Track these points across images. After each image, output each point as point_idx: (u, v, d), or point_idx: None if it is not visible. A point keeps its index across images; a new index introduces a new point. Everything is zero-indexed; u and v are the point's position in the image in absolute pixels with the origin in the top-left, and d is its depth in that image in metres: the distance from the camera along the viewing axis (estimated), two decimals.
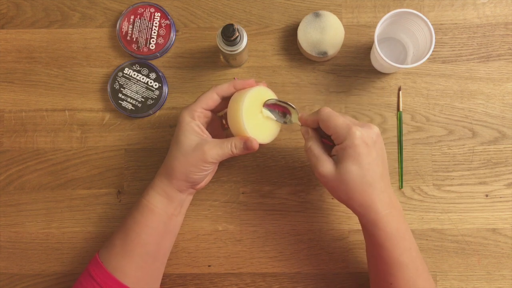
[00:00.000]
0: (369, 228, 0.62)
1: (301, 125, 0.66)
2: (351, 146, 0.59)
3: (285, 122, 0.67)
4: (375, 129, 0.61)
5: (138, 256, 0.65)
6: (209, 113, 0.66)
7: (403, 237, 0.62)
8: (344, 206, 0.64)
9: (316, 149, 0.62)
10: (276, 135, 0.68)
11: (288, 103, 0.65)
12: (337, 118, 0.60)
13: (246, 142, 0.64)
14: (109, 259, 0.65)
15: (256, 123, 0.65)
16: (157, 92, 0.76)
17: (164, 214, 0.66)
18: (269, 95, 0.67)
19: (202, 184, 0.68)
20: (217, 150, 0.63)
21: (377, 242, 0.61)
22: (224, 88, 0.65)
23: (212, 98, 0.65)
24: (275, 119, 0.66)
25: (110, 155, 0.77)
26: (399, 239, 0.61)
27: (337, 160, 0.61)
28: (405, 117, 0.76)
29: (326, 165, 0.61)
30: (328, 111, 0.62)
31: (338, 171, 0.60)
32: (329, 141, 0.64)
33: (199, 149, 0.63)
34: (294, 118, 0.66)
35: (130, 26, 0.77)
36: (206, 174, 0.66)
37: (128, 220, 0.67)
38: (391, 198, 0.62)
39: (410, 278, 0.62)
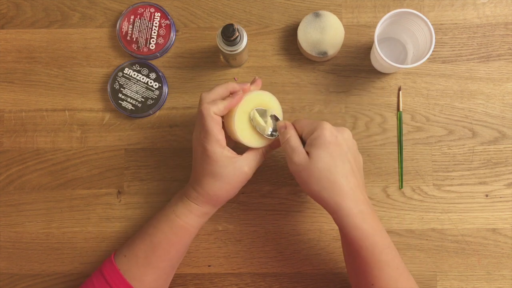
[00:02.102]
0: (345, 226, 0.61)
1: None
2: (320, 135, 0.61)
3: (271, 135, 0.67)
4: (347, 131, 0.64)
5: (162, 269, 0.66)
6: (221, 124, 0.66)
7: (380, 235, 0.62)
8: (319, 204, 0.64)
9: (293, 139, 0.64)
10: (265, 143, 0.68)
11: (274, 115, 0.67)
12: (302, 120, 0.65)
13: (273, 144, 0.68)
14: (129, 268, 0.65)
15: (250, 128, 0.66)
16: (157, 92, 0.76)
17: (196, 232, 0.68)
18: (267, 100, 0.67)
19: None
20: (254, 165, 0.66)
21: (355, 242, 0.61)
22: (220, 92, 0.65)
23: (216, 117, 0.64)
24: (259, 129, 0.67)
25: (110, 155, 0.77)
26: (377, 237, 0.61)
27: (309, 150, 0.62)
28: (405, 117, 0.76)
29: (300, 155, 0.62)
30: (295, 120, 0.66)
31: (310, 159, 0.61)
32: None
33: (240, 172, 0.65)
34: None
35: (130, 26, 0.77)
36: None
37: (157, 235, 0.66)
38: (364, 196, 0.62)
39: (391, 277, 0.61)
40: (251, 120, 0.66)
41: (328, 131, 0.62)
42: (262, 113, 0.67)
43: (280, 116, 0.68)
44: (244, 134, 0.66)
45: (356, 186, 0.62)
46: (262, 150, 0.67)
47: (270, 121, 0.67)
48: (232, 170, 0.64)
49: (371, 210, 0.62)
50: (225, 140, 0.64)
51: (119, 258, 0.66)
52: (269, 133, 0.67)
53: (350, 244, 0.62)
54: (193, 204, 0.66)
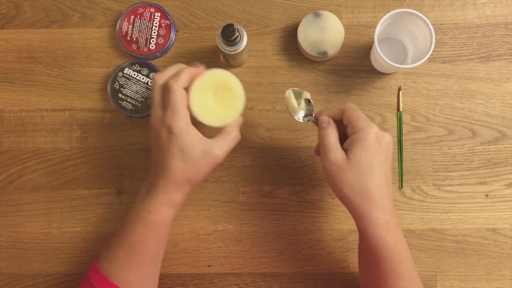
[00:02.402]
0: (368, 233, 0.60)
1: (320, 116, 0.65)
2: (366, 138, 0.60)
3: (302, 119, 0.67)
4: (389, 137, 0.62)
5: (144, 265, 0.64)
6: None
7: (401, 247, 0.61)
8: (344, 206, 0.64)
9: (333, 137, 0.62)
10: (228, 121, 0.65)
11: (309, 99, 0.67)
12: (361, 113, 0.62)
13: (238, 122, 0.65)
14: (112, 271, 0.63)
15: (205, 105, 0.63)
16: None
17: (172, 222, 0.65)
18: (226, 78, 0.65)
19: None
20: (225, 149, 0.63)
21: (375, 251, 0.60)
22: (184, 76, 0.62)
23: (183, 93, 0.61)
24: (290, 109, 0.67)
25: (110, 155, 0.77)
26: (398, 249, 0.61)
27: (349, 148, 0.61)
28: (405, 117, 0.76)
29: (338, 155, 0.61)
30: (353, 105, 0.63)
31: (348, 161, 0.60)
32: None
33: (209, 155, 0.61)
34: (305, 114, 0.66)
35: (130, 26, 0.77)
36: None
37: (133, 234, 0.63)
38: (391, 206, 0.61)
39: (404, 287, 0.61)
40: (285, 99, 0.66)
41: (374, 135, 0.60)
42: (297, 94, 0.67)
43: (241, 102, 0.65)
44: (201, 110, 0.63)
45: (386, 197, 0.61)
46: (234, 134, 0.64)
47: (303, 104, 0.67)
48: (201, 153, 0.61)
49: (395, 220, 0.61)
50: (190, 119, 0.62)
51: (102, 263, 0.64)
52: (300, 116, 0.66)
53: (369, 252, 0.61)
54: (162, 195, 0.62)
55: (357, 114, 0.62)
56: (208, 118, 0.64)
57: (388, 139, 0.61)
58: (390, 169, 0.62)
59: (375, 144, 0.60)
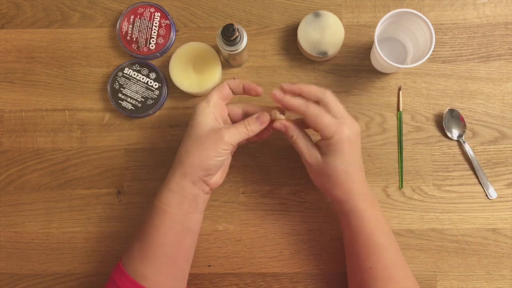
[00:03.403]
0: (348, 215, 0.65)
1: (276, 114, 0.66)
2: (338, 143, 0.63)
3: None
4: (358, 127, 0.65)
5: (157, 259, 0.64)
6: (224, 107, 0.67)
7: (381, 222, 0.66)
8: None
9: (302, 141, 0.66)
10: (207, 88, 0.74)
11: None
12: (324, 118, 0.63)
13: (259, 116, 0.65)
14: (129, 263, 0.64)
15: (185, 75, 0.74)
16: (157, 92, 0.76)
17: (178, 212, 0.64)
18: (203, 48, 0.75)
19: (218, 179, 0.67)
20: (233, 131, 0.64)
21: (356, 229, 0.65)
22: (236, 83, 0.67)
23: (224, 88, 0.66)
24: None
25: (110, 155, 0.77)
26: (377, 223, 0.65)
27: (323, 152, 0.65)
28: (405, 117, 0.76)
29: (312, 155, 0.65)
30: (313, 109, 0.63)
31: (324, 163, 0.64)
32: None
33: (215, 132, 0.63)
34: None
35: (130, 26, 0.77)
36: (221, 160, 0.64)
37: (143, 224, 0.65)
38: (367, 188, 0.66)
39: (389, 261, 0.64)
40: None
41: (345, 138, 0.63)
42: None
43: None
44: (181, 80, 0.74)
45: (362, 181, 0.66)
46: (245, 124, 0.65)
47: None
48: (208, 131, 0.63)
49: (372, 198, 0.66)
50: (218, 109, 0.65)
51: (123, 256, 0.66)
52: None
53: (351, 230, 0.65)
54: (167, 178, 0.65)
55: (321, 119, 0.63)
56: (188, 86, 0.74)
57: (357, 130, 0.65)
58: (360, 152, 0.66)
59: (347, 148, 0.63)
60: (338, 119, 0.63)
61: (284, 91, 0.66)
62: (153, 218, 0.65)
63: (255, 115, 0.66)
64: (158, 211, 0.64)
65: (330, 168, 0.64)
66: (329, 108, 0.63)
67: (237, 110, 0.68)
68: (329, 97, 0.64)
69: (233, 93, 0.67)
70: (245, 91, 0.67)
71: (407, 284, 0.65)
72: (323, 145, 0.64)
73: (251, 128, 0.65)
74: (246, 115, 0.68)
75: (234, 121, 0.69)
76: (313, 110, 0.63)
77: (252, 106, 0.68)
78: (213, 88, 0.67)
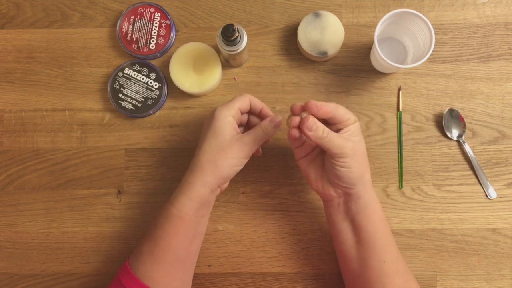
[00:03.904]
0: (371, 203, 0.65)
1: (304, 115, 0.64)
2: (358, 127, 0.64)
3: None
4: (357, 124, 0.64)
5: (167, 263, 0.64)
6: (243, 117, 0.68)
7: (385, 218, 0.67)
8: None
9: (333, 134, 0.62)
10: (207, 88, 0.75)
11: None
12: (340, 108, 0.63)
13: (273, 120, 0.65)
14: (138, 266, 0.64)
15: (185, 75, 0.75)
16: (157, 92, 0.76)
17: (194, 219, 0.65)
18: (203, 48, 0.75)
19: (227, 183, 0.69)
20: (253, 139, 0.64)
21: (377, 218, 0.65)
22: (257, 103, 0.67)
23: (246, 101, 0.66)
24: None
25: (110, 155, 0.77)
26: (385, 222, 0.67)
27: (349, 137, 0.63)
28: (405, 117, 0.76)
29: (346, 143, 0.62)
30: (333, 104, 0.63)
31: (353, 144, 0.63)
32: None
33: (238, 142, 0.64)
34: None
35: (130, 26, 0.77)
36: (241, 168, 0.66)
37: (156, 228, 0.65)
38: (369, 179, 0.66)
39: (398, 255, 0.66)
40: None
41: (352, 153, 0.62)
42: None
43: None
44: (181, 80, 0.74)
45: (368, 180, 0.65)
46: (262, 129, 0.65)
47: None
48: (229, 137, 0.64)
49: (373, 192, 0.66)
50: (238, 119, 0.66)
51: (131, 258, 0.66)
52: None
53: (371, 222, 0.65)
54: (185, 185, 0.64)
55: (341, 108, 0.63)
56: (188, 86, 0.74)
57: (358, 130, 0.64)
58: (365, 149, 0.65)
59: (355, 159, 0.63)
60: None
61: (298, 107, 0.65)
62: (168, 224, 0.64)
63: (268, 119, 0.65)
64: (174, 218, 0.64)
65: (359, 149, 0.63)
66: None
67: (248, 104, 0.67)
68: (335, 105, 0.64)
69: (249, 109, 0.68)
70: (260, 115, 0.68)
71: (409, 276, 0.66)
72: (347, 131, 0.63)
73: (269, 132, 0.65)
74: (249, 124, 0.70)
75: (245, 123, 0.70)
76: (333, 104, 0.63)
77: (259, 103, 0.68)
78: (236, 98, 0.66)
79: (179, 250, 0.65)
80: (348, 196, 0.65)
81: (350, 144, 0.62)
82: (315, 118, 0.61)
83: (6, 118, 0.78)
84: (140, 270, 0.64)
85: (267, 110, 0.68)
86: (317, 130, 0.61)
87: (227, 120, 0.64)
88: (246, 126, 0.71)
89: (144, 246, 0.65)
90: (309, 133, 0.61)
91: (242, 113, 0.67)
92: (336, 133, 0.63)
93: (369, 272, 0.64)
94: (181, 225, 0.64)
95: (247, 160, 0.65)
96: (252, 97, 0.67)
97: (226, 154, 0.63)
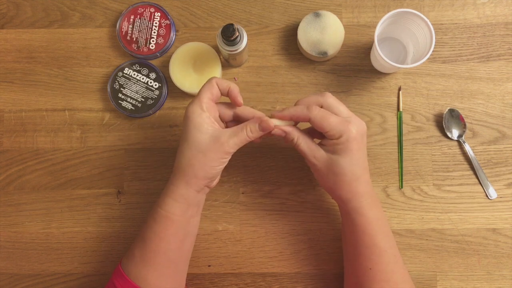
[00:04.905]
0: (352, 214, 0.64)
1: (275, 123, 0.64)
2: (346, 142, 0.61)
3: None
4: (364, 125, 0.64)
5: (159, 264, 0.64)
6: (215, 106, 0.64)
7: (383, 224, 0.66)
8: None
9: (304, 142, 0.64)
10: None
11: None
12: (330, 118, 0.61)
13: (261, 124, 0.63)
14: (130, 268, 0.64)
15: (185, 75, 0.75)
16: (157, 92, 0.76)
17: (183, 220, 0.64)
18: (202, 48, 0.75)
19: (217, 180, 0.68)
20: (234, 139, 0.62)
21: (359, 228, 0.64)
22: (223, 85, 0.63)
23: (215, 88, 0.63)
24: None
25: (110, 155, 0.77)
26: (379, 225, 0.65)
27: (329, 151, 0.63)
28: (405, 117, 0.76)
29: (317, 156, 0.63)
30: (317, 112, 0.61)
31: (330, 162, 0.63)
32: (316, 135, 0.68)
33: (216, 142, 0.61)
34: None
35: (130, 26, 0.77)
36: (223, 166, 0.64)
37: (146, 230, 0.64)
38: (372, 189, 0.66)
39: (388, 263, 0.64)
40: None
41: (353, 136, 0.61)
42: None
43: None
44: (181, 80, 0.74)
45: (366, 182, 0.65)
46: (246, 130, 0.63)
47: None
48: (208, 138, 0.61)
49: (376, 200, 0.66)
50: (211, 111, 0.62)
51: (123, 260, 0.66)
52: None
53: (353, 230, 0.65)
54: (170, 187, 0.63)
55: (327, 121, 0.61)
56: (188, 86, 0.74)
57: (364, 128, 0.63)
58: (366, 151, 0.65)
59: (355, 146, 0.62)
60: (345, 118, 0.62)
61: (274, 116, 0.64)
62: (157, 226, 0.63)
63: (254, 121, 0.63)
64: (162, 219, 0.63)
65: (337, 168, 0.62)
66: (332, 109, 0.62)
67: (229, 112, 0.65)
68: (330, 98, 0.63)
69: (221, 93, 0.64)
70: (229, 96, 0.64)
71: (404, 286, 0.65)
72: (330, 144, 0.62)
73: (252, 135, 0.63)
74: (236, 116, 0.66)
75: (223, 121, 0.67)
76: (317, 113, 0.61)
77: (244, 109, 0.65)
78: (202, 88, 0.63)
79: (170, 251, 0.64)
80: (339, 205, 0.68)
81: (319, 159, 0.63)
82: (287, 127, 0.64)
83: (6, 118, 0.78)
84: (134, 273, 0.63)
85: (234, 92, 0.64)
86: (286, 137, 0.64)
87: (201, 117, 0.61)
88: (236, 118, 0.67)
89: (136, 248, 0.64)
90: (284, 140, 0.65)
91: (215, 101, 0.64)
92: (310, 144, 0.64)
93: (359, 275, 0.65)
94: (170, 226, 0.63)
95: (229, 157, 0.63)
96: (218, 79, 0.63)
97: (205, 157, 0.61)
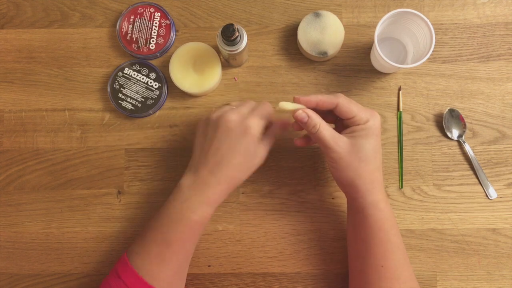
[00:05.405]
0: (370, 209, 0.64)
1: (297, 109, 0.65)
2: (372, 127, 0.64)
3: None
4: (379, 117, 0.66)
5: (178, 263, 0.65)
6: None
7: (395, 220, 0.67)
8: (344, 206, 0.65)
9: (327, 130, 0.63)
10: (207, 88, 0.75)
11: None
12: (357, 104, 0.64)
13: (282, 124, 0.68)
14: (143, 265, 0.63)
15: (186, 75, 0.75)
16: (157, 92, 0.76)
17: (208, 223, 0.67)
18: (203, 48, 0.75)
19: None
20: (267, 149, 0.67)
21: (375, 224, 0.64)
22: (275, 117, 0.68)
23: (268, 120, 0.67)
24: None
25: (110, 155, 0.77)
26: (393, 222, 0.66)
27: (355, 138, 0.64)
28: (405, 117, 0.76)
29: (341, 143, 0.63)
30: (345, 98, 0.64)
31: (355, 148, 0.63)
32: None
33: (260, 156, 0.66)
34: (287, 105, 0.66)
35: (130, 26, 0.77)
36: None
37: (172, 234, 0.64)
38: (383, 186, 0.67)
39: (399, 260, 0.65)
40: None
41: (378, 123, 0.64)
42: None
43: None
44: (182, 80, 0.74)
45: (382, 176, 0.66)
46: (273, 136, 0.67)
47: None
48: (255, 153, 0.65)
49: (387, 198, 0.67)
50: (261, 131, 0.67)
51: (132, 257, 0.65)
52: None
53: (369, 225, 0.64)
54: (206, 191, 0.64)
55: (354, 104, 0.64)
56: (188, 86, 0.74)
57: (370, 133, 0.64)
58: (372, 155, 0.65)
59: (378, 133, 0.64)
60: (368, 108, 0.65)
61: (299, 100, 0.65)
62: (188, 230, 0.64)
63: (278, 124, 0.68)
64: (195, 225, 0.64)
65: (362, 153, 0.63)
66: (350, 104, 0.64)
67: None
68: (344, 97, 0.64)
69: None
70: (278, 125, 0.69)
71: (412, 284, 0.65)
72: (356, 130, 0.63)
73: (278, 135, 0.69)
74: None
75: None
76: (344, 99, 0.64)
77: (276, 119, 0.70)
78: (263, 107, 0.66)
79: (191, 250, 0.66)
80: (347, 197, 0.67)
81: (342, 146, 0.63)
82: (310, 111, 0.63)
83: (6, 118, 0.78)
84: (146, 269, 0.63)
85: (285, 123, 0.69)
86: (308, 122, 0.63)
87: (259, 139, 0.65)
88: None
89: (154, 247, 0.64)
90: (302, 125, 0.64)
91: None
92: (331, 131, 0.63)
93: (369, 273, 0.65)
94: (201, 229, 0.66)
95: None
96: (274, 115, 0.68)
97: (249, 171, 0.66)
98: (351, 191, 0.66)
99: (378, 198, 0.64)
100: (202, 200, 0.64)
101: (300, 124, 0.64)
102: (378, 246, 0.64)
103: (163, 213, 0.66)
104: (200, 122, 0.69)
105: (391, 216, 0.65)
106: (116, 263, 0.66)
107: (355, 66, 0.77)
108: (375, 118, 0.64)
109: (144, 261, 0.64)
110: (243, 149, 0.64)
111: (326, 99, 0.64)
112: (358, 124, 0.64)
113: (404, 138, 0.76)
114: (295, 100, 0.65)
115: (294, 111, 0.64)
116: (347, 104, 0.63)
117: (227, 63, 0.77)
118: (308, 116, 0.63)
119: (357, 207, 0.66)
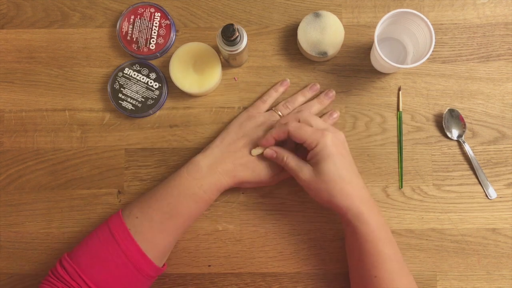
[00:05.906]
0: (353, 222, 0.65)
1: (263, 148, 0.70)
2: (324, 148, 0.65)
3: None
4: (341, 134, 0.68)
5: (176, 234, 0.69)
6: None
7: (385, 230, 0.66)
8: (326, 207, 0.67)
9: (292, 160, 0.68)
10: (207, 88, 0.75)
11: None
12: (306, 129, 0.66)
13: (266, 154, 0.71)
14: (141, 230, 0.66)
15: (186, 75, 0.74)
16: (157, 92, 0.76)
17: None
18: (203, 48, 0.75)
19: None
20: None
21: (361, 236, 0.64)
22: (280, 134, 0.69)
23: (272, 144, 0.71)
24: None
25: (110, 155, 0.77)
26: (382, 232, 0.65)
27: (314, 163, 0.66)
28: (405, 117, 0.76)
29: (305, 171, 0.67)
30: (294, 125, 0.67)
31: (316, 173, 0.65)
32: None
33: (270, 175, 0.72)
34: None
35: (130, 26, 0.77)
36: None
37: (179, 208, 0.67)
38: (368, 195, 0.67)
39: (393, 270, 0.64)
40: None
41: (330, 142, 0.65)
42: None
43: None
44: (182, 80, 0.74)
45: (360, 186, 0.66)
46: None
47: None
48: (267, 169, 0.71)
49: (375, 206, 0.67)
50: None
51: (129, 219, 0.67)
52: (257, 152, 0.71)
53: (356, 238, 0.65)
54: (222, 179, 0.69)
55: (303, 130, 0.66)
56: (188, 86, 0.74)
57: (342, 137, 0.68)
58: (351, 159, 0.68)
59: (334, 150, 0.65)
60: (320, 129, 0.66)
61: (262, 143, 0.70)
62: (194, 205, 0.68)
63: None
64: (201, 202, 0.68)
65: (324, 175, 0.65)
66: (310, 123, 0.67)
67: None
68: (306, 113, 0.69)
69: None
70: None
71: None
72: (312, 156, 0.66)
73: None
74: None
75: None
76: (294, 125, 0.67)
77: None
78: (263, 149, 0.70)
79: (190, 224, 0.71)
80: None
81: (306, 173, 0.66)
82: (276, 147, 0.69)
83: (6, 118, 0.78)
84: (143, 235, 0.66)
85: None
86: (276, 157, 0.69)
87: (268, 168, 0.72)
88: None
89: (157, 215, 0.67)
90: (274, 160, 0.69)
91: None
92: (297, 160, 0.67)
93: (366, 284, 0.65)
94: (204, 206, 0.70)
95: None
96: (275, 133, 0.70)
97: (253, 184, 0.73)
98: (333, 208, 0.67)
99: (359, 211, 0.64)
100: (215, 183, 0.68)
101: (273, 160, 0.70)
102: (367, 257, 0.65)
103: (172, 184, 0.68)
104: (244, 114, 0.74)
105: (379, 226, 0.65)
106: (108, 220, 0.67)
107: (355, 66, 0.77)
108: (325, 139, 0.65)
109: (144, 227, 0.66)
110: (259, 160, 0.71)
111: (278, 132, 0.68)
112: (312, 149, 0.66)
113: (404, 138, 0.76)
114: (261, 144, 0.69)
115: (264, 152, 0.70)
116: (296, 131, 0.66)
117: (227, 63, 0.77)
118: (276, 152, 0.69)
119: (344, 221, 0.67)
